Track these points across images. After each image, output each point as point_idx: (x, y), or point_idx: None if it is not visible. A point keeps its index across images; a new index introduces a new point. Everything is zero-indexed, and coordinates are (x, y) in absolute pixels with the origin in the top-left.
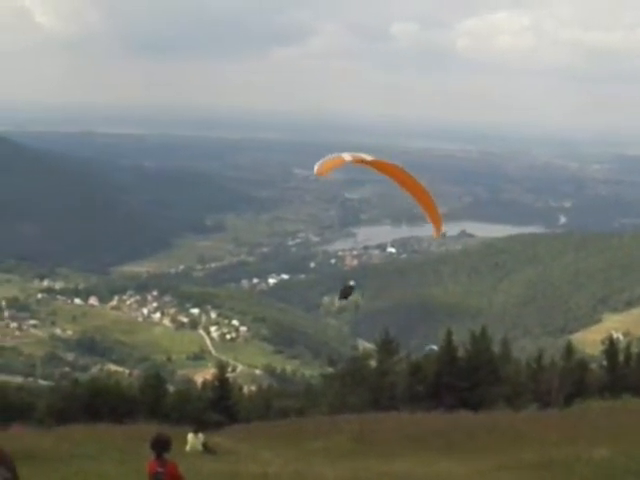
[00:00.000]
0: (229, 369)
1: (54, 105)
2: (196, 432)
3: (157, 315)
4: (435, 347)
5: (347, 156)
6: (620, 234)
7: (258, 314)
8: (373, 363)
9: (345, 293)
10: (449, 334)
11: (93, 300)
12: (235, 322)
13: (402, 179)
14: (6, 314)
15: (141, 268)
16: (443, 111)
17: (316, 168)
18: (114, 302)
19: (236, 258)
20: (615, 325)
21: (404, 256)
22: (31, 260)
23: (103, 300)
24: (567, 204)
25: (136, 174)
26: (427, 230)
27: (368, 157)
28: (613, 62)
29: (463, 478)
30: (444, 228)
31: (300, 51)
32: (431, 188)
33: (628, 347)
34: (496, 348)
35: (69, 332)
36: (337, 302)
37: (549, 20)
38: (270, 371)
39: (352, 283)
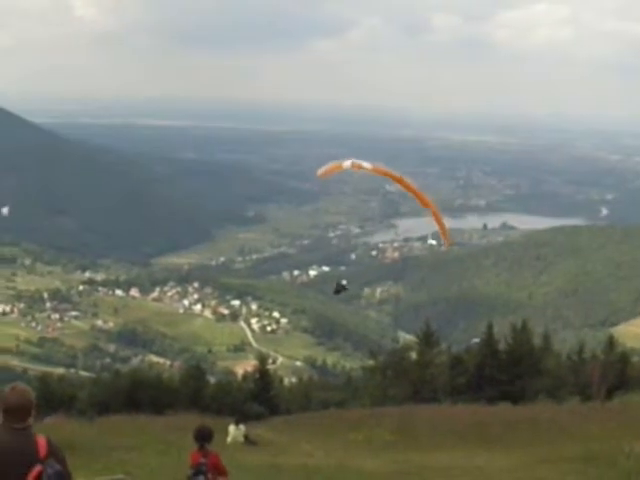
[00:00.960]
0: (269, 361)
1: (95, 98)
2: (237, 423)
3: (198, 307)
4: None
5: (347, 163)
6: None
7: (299, 306)
8: (414, 355)
9: (337, 289)
10: (490, 327)
11: (134, 292)
12: (276, 314)
13: (405, 187)
14: (48, 305)
15: (182, 260)
16: (483, 103)
17: (319, 171)
18: (155, 294)
19: (277, 250)
20: None
21: (445, 248)
22: (73, 252)
23: (144, 292)
24: (609, 196)
25: (177, 166)
26: (468, 222)
27: (368, 165)
28: None
29: (503, 471)
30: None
31: (340, 44)
32: (471, 180)
33: None
34: (537, 341)
35: (110, 324)
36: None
37: (589, 11)
38: (311, 363)
39: (344, 282)
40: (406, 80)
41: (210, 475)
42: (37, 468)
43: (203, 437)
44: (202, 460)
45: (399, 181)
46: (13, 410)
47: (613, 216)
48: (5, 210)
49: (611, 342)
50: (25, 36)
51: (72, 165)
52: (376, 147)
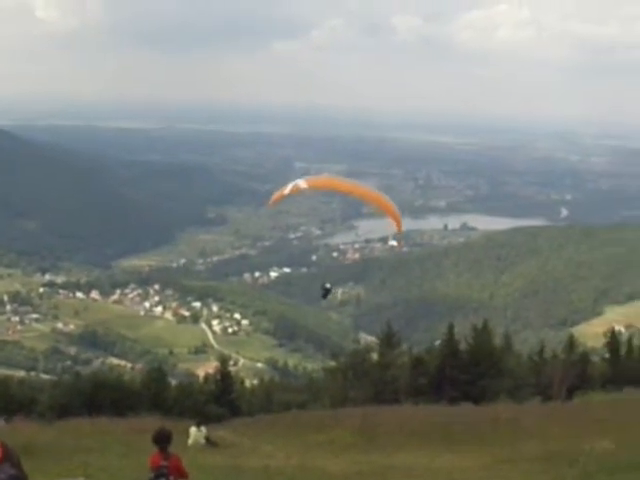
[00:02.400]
0: (231, 363)
1: (58, 99)
2: (199, 425)
3: (159, 309)
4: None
5: (287, 189)
6: (621, 227)
7: (260, 307)
8: (375, 356)
9: (325, 294)
10: (451, 328)
11: (95, 294)
12: (237, 315)
13: (349, 189)
14: (8, 308)
15: (143, 262)
16: (445, 104)
17: (269, 203)
18: (116, 296)
19: (238, 251)
20: (617, 318)
21: (406, 249)
22: (34, 255)
23: (105, 294)
24: (568, 197)
25: (140, 168)
26: (429, 223)
27: (305, 185)
28: (614, 54)
29: (465, 471)
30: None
31: (302, 44)
32: (431, 181)
33: (630, 340)
34: (498, 341)
35: (71, 326)
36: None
37: (549, 13)
38: (272, 365)
39: (328, 285)
40: (369, 80)
41: (172, 478)
42: None
43: (162, 440)
44: (163, 463)
45: (347, 191)
46: None
47: (573, 217)
48: None
49: (571, 342)
50: None
51: (33, 167)
52: (339, 148)
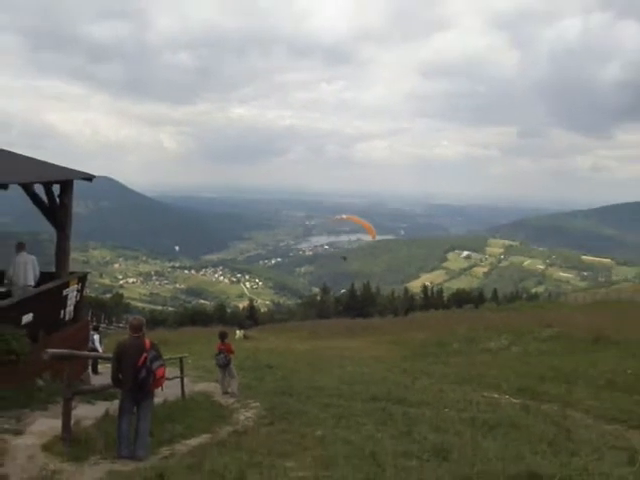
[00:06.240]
0: (255, 302)
1: (194, 182)
2: (240, 328)
3: (222, 278)
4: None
5: (337, 217)
6: (427, 240)
7: (267, 276)
8: (319, 298)
9: (344, 258)
10: (352, 285)
11: (193, 271)
12: (257, 280)
13: (358, 220)
14: (154, 278)
15: (215, 256)
16: (351, 185)
17: (345, 217)
18: (203, 272)
19: (256, 252)
20: (427, 279)
21: (332, 250)
22: (166, 254)
23: (197, 271)
24: (404, 225)
25: (214, 214)
26: (342, 238)
27: (345, 216)
28: (433, 162)
29: (359, 346)
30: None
31: (284, 159)
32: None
33: (432, 289)
34: (374, 289)
35: (183, 286)
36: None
37: (397, 142)
38: (274, 302)
39: (345, 256)
40: (314, 176)
41: (227, 353)
42: (144, 355)
43: (222, 335)
44: (222, 347)
45: (357, 221)
46: (133, 327)
47: (407, 234)
48: (177, 248)
49: (406, 290)
50: (136, 158)
51: (165, 216)
52: (301, 205)
